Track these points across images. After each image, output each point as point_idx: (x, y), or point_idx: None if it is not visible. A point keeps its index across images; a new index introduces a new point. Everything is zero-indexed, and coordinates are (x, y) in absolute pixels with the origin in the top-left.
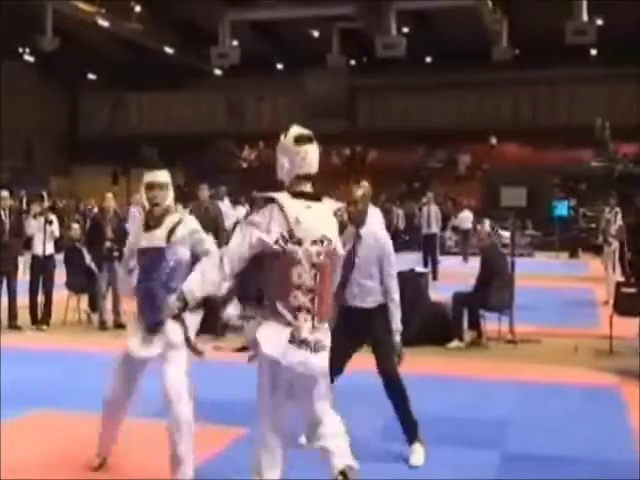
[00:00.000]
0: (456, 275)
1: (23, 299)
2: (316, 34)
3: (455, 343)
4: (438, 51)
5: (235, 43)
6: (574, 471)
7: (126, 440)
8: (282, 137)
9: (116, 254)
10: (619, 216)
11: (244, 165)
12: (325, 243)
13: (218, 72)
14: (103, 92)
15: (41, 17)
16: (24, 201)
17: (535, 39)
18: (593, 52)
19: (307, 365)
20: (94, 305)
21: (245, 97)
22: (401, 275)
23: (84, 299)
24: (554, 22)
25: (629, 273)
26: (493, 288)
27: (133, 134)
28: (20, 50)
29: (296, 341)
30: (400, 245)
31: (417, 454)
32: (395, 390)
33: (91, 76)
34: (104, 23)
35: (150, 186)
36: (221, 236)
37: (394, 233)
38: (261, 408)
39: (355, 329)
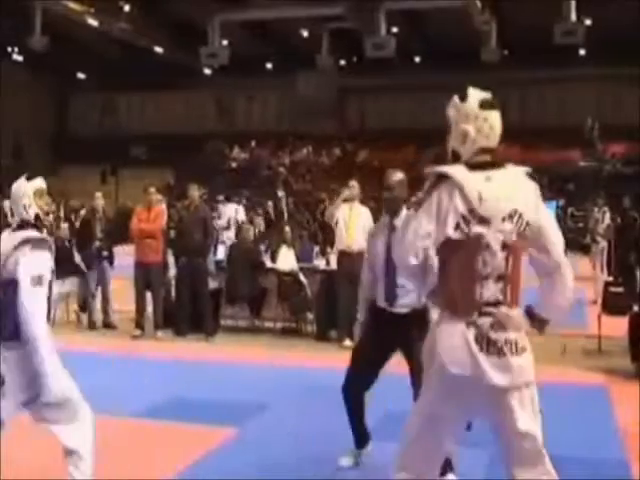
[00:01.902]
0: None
1: None
2: (306, 34)
3: None
4: (427, 51)
5: (225, 43)
6: (562, 470)
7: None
8: (457, 101)
9: (105, 254)
10: (607, 215)
11: (234, 165)
12: (516, 218)
13: (208, 72)
14: (93, 92)
15: (30, 16)
16: None
17: (524, 39)
18: (582, 52)
19: (500, 371)
20: (83, 305)
21: (235, 97)
22: None
23: (73, 299)
24: (543, 23)
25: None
26: None
27: (122, 134)
28: (9, 49)
29: (484, 345)
30: None
31: None
32: None
33: (81, 75)
34: (93, 22)
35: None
36: (210, 236)
37: None
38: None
39: (385, 335)
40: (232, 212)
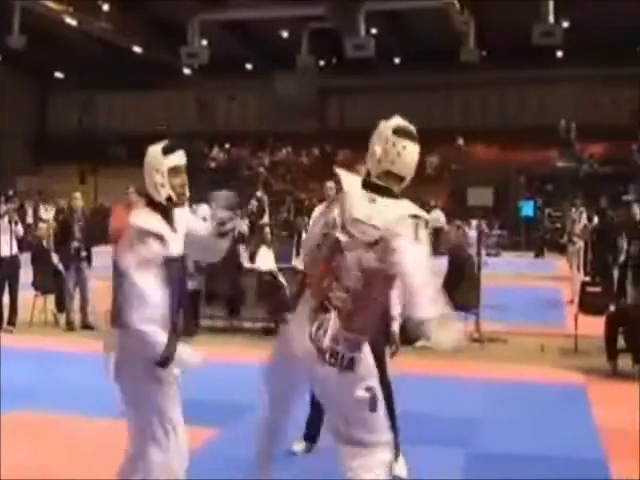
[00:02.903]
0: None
1: None
2: (286, 34)
3: (422, 342)
4: (407, 52)
5: (205, 43)
6: (540, 469)
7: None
8: (382, 123)
9: (84, 254)
10: (584, 216)
11: (213, 165)
12: (380, 247)
13: (188, 72)
14: (72, 91)
15: (9, 15)
16: None
17: (503, 40)
18: (560, 53)
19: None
20: (61, 305)
21: (215, 97)
22: None
23: (50, 299)
24: (521, 23)
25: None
26: (460, 287)
27: (102, 133)
28: None
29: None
30: None
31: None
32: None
33: (59, 75)
34: (73, 22)
35: (177, 170)
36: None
37: None
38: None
39: None
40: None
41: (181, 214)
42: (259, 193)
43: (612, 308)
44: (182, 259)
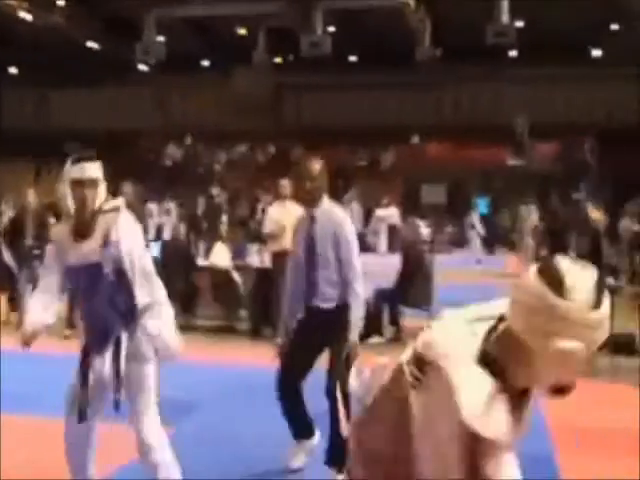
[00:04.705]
0: (377, 272)
1: None
2: (242, 31)
3: (375, 339)
4: (363, 50)
5: (161, 39)
6: None
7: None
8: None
9: (36, 252)
10: (534, 214)
11: (168, 162)
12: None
13: (144, 68)
14: (26, 87)
15: None
16: None
17: (458, 39)
18: (514, 53)
19: None
20: (13, 304)
21: (171, 93)
22: None
23: (2, 298)
24: (476, 22)
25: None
26: (413, 285)
27: (56, 130)
28: None
29: None
30: None
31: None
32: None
33: (13, 70)
34: (27, 16)
35: (78, 183)
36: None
37: None
38: None
39: (315, 330)
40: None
41: (111, 222)
42: (215, 190)
43: None
44: (95, 266)
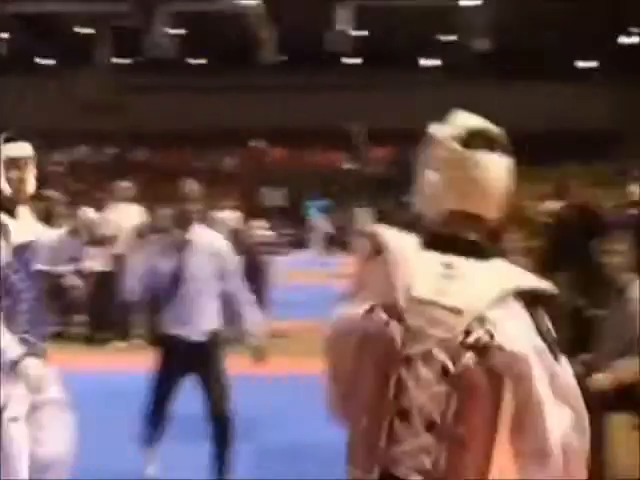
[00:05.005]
0: None
1: None
2: (86, 31)
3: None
4: (207, 53)
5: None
6: (309, 455)
7: None
8: (430, 130)
9: None
10: (368, 216)
11: None
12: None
13: None
14: None
15: None
16: None
17: (300, 45)
18: (353, 59)
19: None
20: None
21: (8, 94)
22: None
23: None
24: (317, 29)
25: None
26: (252, 286)
27: None
28: None
29: None
30: None
31: None
32: (228, 434)
33: None
34: None
35: (14, 163)
36: None
37: None
38: None
39: (180, 365)
40: None
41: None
42: (52, 193)
43: None
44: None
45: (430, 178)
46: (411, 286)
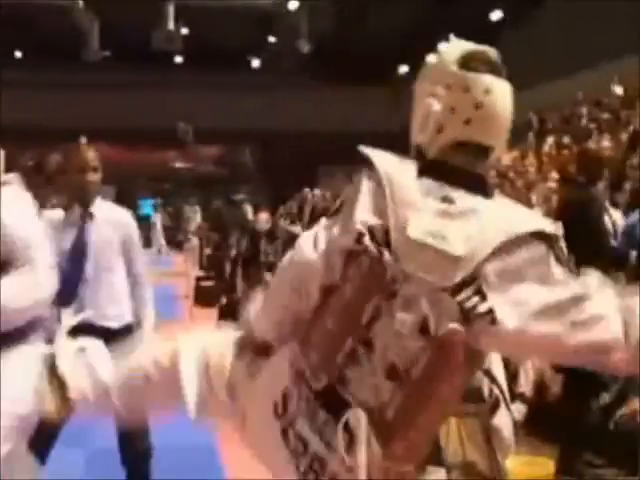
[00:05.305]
0: None
1: None
2: None
3: None
4: (28, 47)
5: None
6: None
7: None
8: (432, 57)
9: None
10: (198, 214)
11: None
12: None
13: None
14: None
15: None
16: None
17: (126, 42)
18: (180, 59)
19: None
20: None
21: None
22: None
23: None
24: (144, 27)
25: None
26: None
27: None
28: None
29: None
30: None
31: None
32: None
33: None
34: None
35: None
36: None
37: None
38: None
39: None
40: None
41: None
42: None
43: (224, 300)
44: None
45: (432, 107)
46: (406, 223)
